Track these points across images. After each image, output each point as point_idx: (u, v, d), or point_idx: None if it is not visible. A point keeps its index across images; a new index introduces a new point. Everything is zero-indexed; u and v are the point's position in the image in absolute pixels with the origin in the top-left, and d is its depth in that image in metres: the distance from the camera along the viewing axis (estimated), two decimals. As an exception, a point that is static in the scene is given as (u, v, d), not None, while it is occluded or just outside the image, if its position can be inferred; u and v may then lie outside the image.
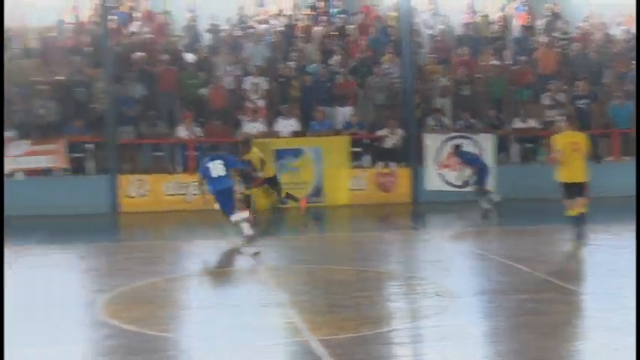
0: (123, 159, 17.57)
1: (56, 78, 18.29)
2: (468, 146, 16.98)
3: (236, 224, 12.48)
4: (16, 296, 9.28)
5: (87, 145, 17.44)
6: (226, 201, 12.61)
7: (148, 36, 19.77)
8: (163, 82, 18.48)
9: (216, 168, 12.70)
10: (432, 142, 17.54)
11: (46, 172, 17.13)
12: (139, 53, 18.73)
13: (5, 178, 16.68)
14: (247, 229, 12.31)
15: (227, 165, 12.73)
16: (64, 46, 19.22)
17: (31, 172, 17.00)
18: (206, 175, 12.71)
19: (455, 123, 18.36)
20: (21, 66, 18.39)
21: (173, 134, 17.79)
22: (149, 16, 20.82)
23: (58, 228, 15.16)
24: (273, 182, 15.34)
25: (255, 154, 14.82)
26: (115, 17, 19.66)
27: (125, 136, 17.59)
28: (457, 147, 16.54)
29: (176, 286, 10.15)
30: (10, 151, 16.72)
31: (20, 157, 16.81)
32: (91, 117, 17.78)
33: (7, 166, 16.74)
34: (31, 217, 15.85)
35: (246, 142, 15.07)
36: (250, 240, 12.23)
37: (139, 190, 17.17)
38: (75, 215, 16.17)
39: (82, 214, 16.23)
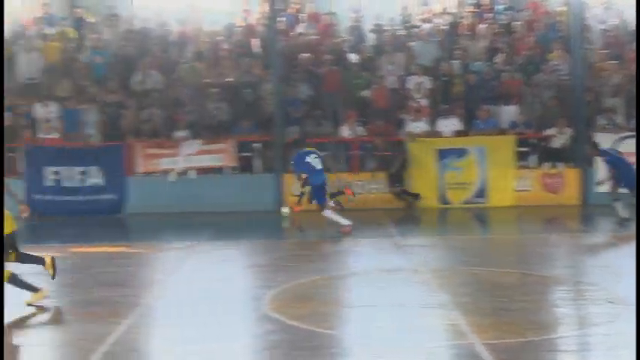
0: (288, 158, 17.96)
1: (226, 80, 18.97)
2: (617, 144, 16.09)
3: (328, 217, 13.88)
4: (184, 292, 9.70)
5: (254, 145, 17.96)
6: (322, 194, 13.80)
7: (313, 37, 20.14)
8: (328, 83, 18.75)
9: (314, 162, 13.72)
10: (602, 141, 16.77)
11: (216, 170, 17.78)
12: (304, 54, 19.12)
13: (178, 176, 17.51)
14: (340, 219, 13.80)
15: (321, 158, 13.92)
16: (234, 49, 19.90)
17: (202, 171, 17.69)
18: (309, 169, 13.70)
19: (628, 122, 17.51)
20: (193, 68, 19.22)
21: (337, 134, 18.02)
22: (315, 18, 21.19)
23: (226, 224, 15.69)
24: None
25: None
26: (283, 19, 20.16)
27: (291, 135, 17.99)
28: (595, 144, 15.48)
29: (339, 284, 10.26)
30: (183, 150, 17.51)
31: (192, 155, 17.56)
32: (259, 117, 18.31)
33: (180, 165, 17.54)
34: (201, 214, 16.51)
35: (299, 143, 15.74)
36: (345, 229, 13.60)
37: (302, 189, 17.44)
38: (242, 212, 16.67)
39: (248, 212, 16.71)
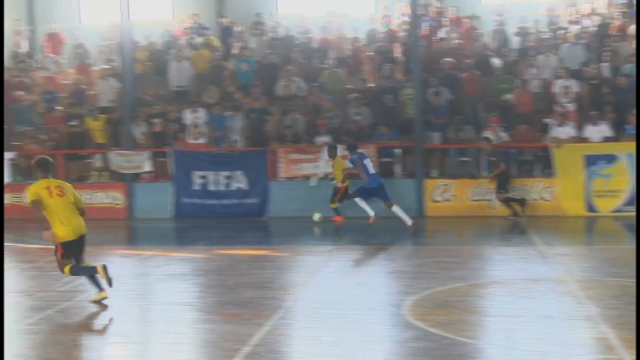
0: (429, 163, 17.82)
1: (367, 85, 19.04)
2: None
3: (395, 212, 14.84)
4: (324, 296, 9.79)
5: (395, 150, 17.92)
6: (383, 193, 14.80)
7: (456, 41, 19.91)
8: (469, 87, 18.48)
9: (370, 165, 14.69)
10: None
11: (356, 175, 17.78)
12: (446, 59, 18.92)
13: (319, 181, 17.67)
14: (408, 219, 14.80)
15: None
16: (375, 54, 19.96)
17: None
18: (365, 171, 14.62)
19: None
20: (335, 74, 19.41)
21: (479, 139, 17.71)
22: (457, 22, 20.96)
23: (366, 229, 15.70)
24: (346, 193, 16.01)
25: (339, 162, 15.95)
26: (425, 24, 20.04)
27: (432, 140, 17.84)
28: None
29: (480, 293, 10.07)
30: (324, 155, 17.67)
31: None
32: (399, 122, 18.26)
33: (321, 170, 17.70)
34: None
35: (333, 148, 16.33)
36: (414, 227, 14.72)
37: (444, 195, 17.31)
38: (382, 217, 16.62)
39: (388, 217, 16.65)
